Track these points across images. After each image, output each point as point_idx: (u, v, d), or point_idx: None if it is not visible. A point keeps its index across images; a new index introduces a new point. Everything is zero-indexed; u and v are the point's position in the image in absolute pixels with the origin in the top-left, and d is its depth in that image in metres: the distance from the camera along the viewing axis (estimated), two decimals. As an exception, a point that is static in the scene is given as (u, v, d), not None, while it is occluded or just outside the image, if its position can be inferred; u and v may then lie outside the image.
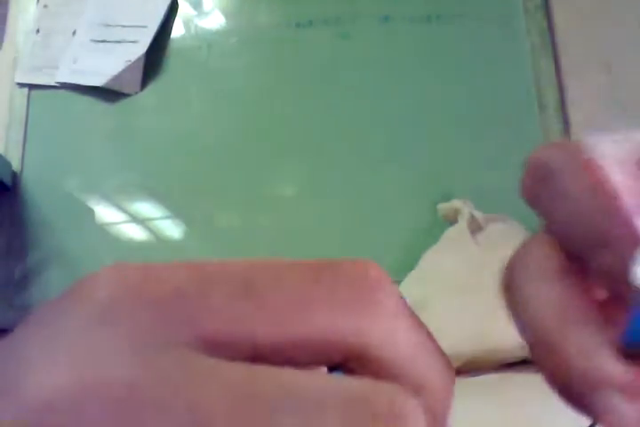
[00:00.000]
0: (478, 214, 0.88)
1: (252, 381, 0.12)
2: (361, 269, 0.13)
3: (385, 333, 0.13)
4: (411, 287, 0.85)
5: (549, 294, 0.15)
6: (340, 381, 0.12)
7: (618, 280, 0.14)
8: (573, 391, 0.15)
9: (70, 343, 0.12)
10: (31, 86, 1.14)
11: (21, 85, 1.14)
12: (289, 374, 0.12)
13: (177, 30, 1.16)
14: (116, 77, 1.10)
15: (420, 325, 0.14)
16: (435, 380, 0.14)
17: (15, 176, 1.09)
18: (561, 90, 1.05)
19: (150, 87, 1.12)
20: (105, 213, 1.07)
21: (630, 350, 0.14)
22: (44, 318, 0.13)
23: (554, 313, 0.15)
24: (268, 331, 0.12)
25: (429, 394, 0.13)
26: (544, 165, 0.16)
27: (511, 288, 0.16)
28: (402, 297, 0.14)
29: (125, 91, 1.11)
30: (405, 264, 0.90)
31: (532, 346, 0.16)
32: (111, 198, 1.08)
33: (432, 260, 0.89)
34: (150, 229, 1.07)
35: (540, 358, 0.15)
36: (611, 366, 0.14)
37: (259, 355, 0.12)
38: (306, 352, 0.13)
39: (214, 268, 0.13)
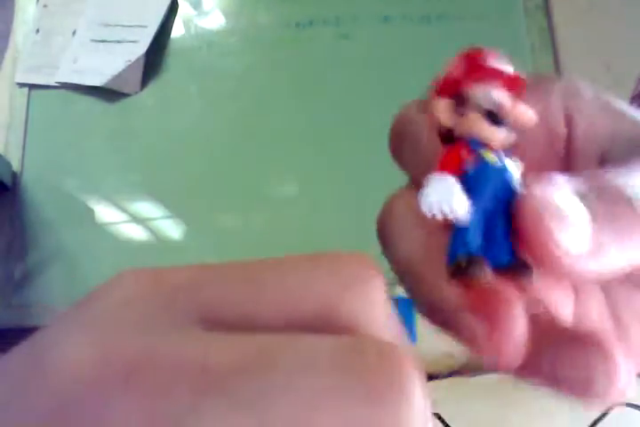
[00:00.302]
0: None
1: (258, 343, 0.13)
2: (357, 258, 0.14)
3: (376, 317, 0.14)
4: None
5: (412, 235, 0.18)
6: (335, 336, 0.13)
7: None
8: (438, 316, 0.18)
9: (90, 327, 0.13)
10: (31, 86, 1.14)
11: (21, 85, 1.14)
12: (290, 335, 0.13)
13: (177, 30, 1.16)
14: (116, 77, 1.10)
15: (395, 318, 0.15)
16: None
17: (15, 176, 1.09)
18: (561, 90, 1.05)
19: (150, 87, 1.12)
20: (105, 213, 1.07)
21: (454, 269, 0.16)
22: (66, 314, 0.14)
23: (417, 250, 0.18)
24: (266, 313, 0.14)
25: None
26: (401, 119, 0.19)
27: (384, 234, 0.20)
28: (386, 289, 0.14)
29: (125, 91, 1.11)
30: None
31: (403, 279, 0.19)
32: (111, 198, 1.08)
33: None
34: (150, 229, 1.07)
35: (409, 289, 0.19)
36: (445, 292, 0.17)
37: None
38: (303, 331, 0.14)
39: (218, 265, 0.15)
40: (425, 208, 0.16)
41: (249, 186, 1.06)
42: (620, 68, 1.05)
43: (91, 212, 1.07)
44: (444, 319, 0.17)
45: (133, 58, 1.11)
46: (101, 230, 1.06)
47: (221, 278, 0.14)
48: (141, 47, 1.12)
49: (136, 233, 1.07)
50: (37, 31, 1.17)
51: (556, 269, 0.15)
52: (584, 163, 0.19)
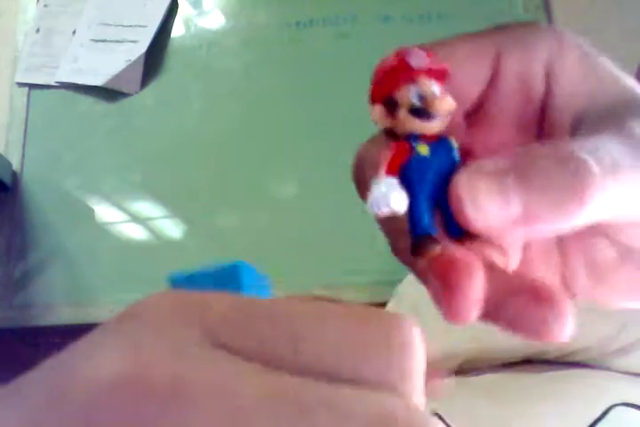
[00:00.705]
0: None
1: (290, 382, 0.13)
2: (396, 323, 0.14)
3: (407, 386, 0.14)
4: (410, 287, 0.85)
5: None
6: (370, 396, 0.13)
7: None
8: (412, 271, 0.19)
9: (125, 343, 0.13)
10: (31, 86, 1.14)
11: (21, 85, 1.14)
12: (329, 388, 0.13)
13: (177, 30, 1.16)
14: (116, 77, 1.10)
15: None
16: None
17: (15, 176, 1.09)
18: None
19: (150, 87, 1.12)
20: (105, 212, 1.07)
21: (413, 248, 0.18)
22: (101, 329, 0.14)
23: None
24: (299, 360, 0.13)
25: None
26: (358, 159, 0.22)
27: (362, 182, 0.20)
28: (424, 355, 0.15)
29: (125, 90, 1.11)
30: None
31: (381, 228, 0.20)
32: (111, 198, 1.08)
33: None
34: (150, 229, 1.07)
35: (388, 242, 0.20)
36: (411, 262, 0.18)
37: None
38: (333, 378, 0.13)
39: (258, 300, 0.15)
40: (370, 209, 0.17)
41: (249, 186, 1.06)
42: (621, 67, 1.05)
43: (91, 212, 1.07)
44: (416, 275, 0.19)
45: (133, 58, 1.11)
46: (101, 230, 1.06)
47: (255, 318, 0.14)
48: (141, 47, 1.12)
49: (136, 233, 1.07)
50: (38, 31, 1.17)
51: (491, 238, 0.17)
52: (559, 120, 0.19)
